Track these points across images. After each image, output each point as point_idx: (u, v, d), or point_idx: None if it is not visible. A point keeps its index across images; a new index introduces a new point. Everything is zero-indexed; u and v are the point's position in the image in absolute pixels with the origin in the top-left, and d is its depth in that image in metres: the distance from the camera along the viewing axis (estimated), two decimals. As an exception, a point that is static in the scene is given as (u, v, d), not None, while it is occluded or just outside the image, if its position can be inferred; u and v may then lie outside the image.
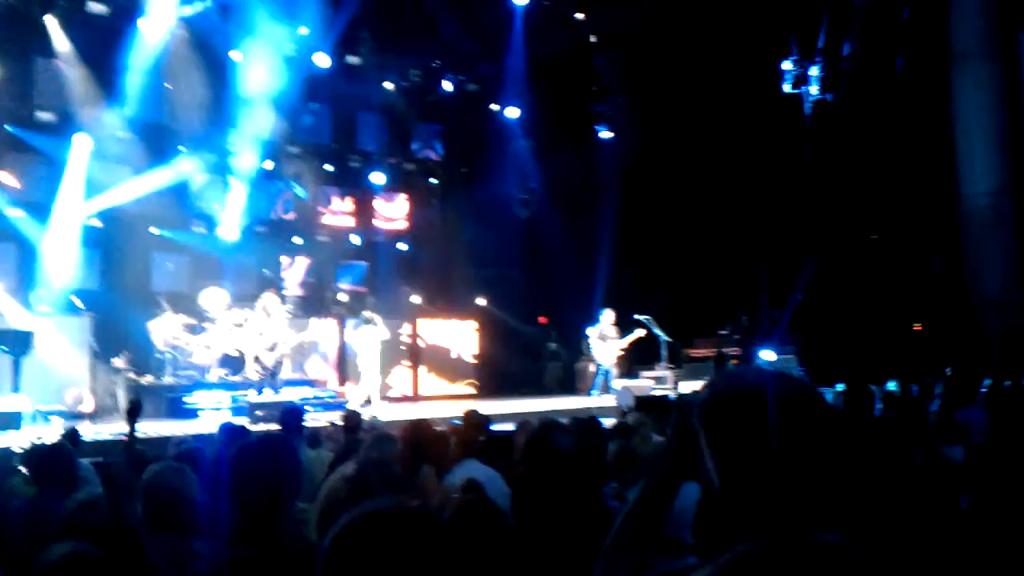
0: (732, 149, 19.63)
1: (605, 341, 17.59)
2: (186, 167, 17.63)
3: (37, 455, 5.35)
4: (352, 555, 1.65)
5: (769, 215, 19.50)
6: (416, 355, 19.89)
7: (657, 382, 17.39)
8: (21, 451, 7.19)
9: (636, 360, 18.61)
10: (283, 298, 17.03)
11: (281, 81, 17.81)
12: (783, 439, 1.58)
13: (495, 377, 20.71)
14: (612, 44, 21.36)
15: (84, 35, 16.47)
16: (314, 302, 19.30)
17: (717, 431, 1.67)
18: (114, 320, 15.75)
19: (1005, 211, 19.50)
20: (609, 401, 15.34)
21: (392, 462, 3.93)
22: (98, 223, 16.76)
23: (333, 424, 9.80)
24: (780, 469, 1.59)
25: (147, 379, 15.23)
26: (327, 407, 14.76)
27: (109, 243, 17.07)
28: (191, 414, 14.43)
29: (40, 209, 16.14)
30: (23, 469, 5.65)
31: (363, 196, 21.10)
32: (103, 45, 16.48)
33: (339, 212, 20.99)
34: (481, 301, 21.28)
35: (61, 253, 16.05)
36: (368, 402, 15.00)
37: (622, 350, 17.69)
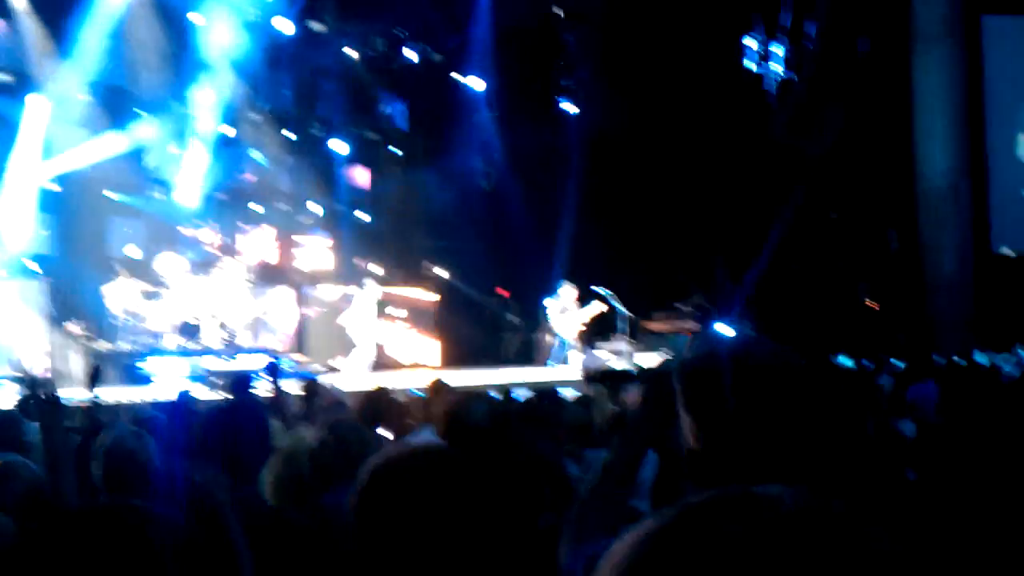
0: (695, 125, 19.70)
1: (565, 313, 17.66)
2: (145, 131, 17.40)
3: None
4: (393, 492, 1.73)
5: (730, 191, 19.64)
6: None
7: (616, 355, 17.49)
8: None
9: (595, 332, 18.69)
10: (242, 266, 16.93)
11: (243, 46, 17.60)
12: (760, 398, 1.65)
13: (455, 347, 20.73)
14: (579, 17, 21.30)
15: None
16: (273, 270, 19.18)
17: (697, 391, 1.74)
18: (69, 285, 15.58)
19: (962, 192, 19.79)
20: (568, 373, 15.41)
21: (359, 425, 3.96)
22: (55, 187, 16.53)
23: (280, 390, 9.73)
24: (755, 427, 1.66)
25: (101, 344, 15.10)
26: (287, 375, 14.70)
27: (65, 207, 16.84)
28: (145, 380, 14.32)
29: (-7, 171, 15.90)
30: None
31: (325, 166, 20.92)
32: (61, 4, 16.18)
33: (299, 181, 20.80)
34: (442, 272, 21.26)
35: (15, 217, 15.81)
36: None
37: (584, 324, 17.77)
